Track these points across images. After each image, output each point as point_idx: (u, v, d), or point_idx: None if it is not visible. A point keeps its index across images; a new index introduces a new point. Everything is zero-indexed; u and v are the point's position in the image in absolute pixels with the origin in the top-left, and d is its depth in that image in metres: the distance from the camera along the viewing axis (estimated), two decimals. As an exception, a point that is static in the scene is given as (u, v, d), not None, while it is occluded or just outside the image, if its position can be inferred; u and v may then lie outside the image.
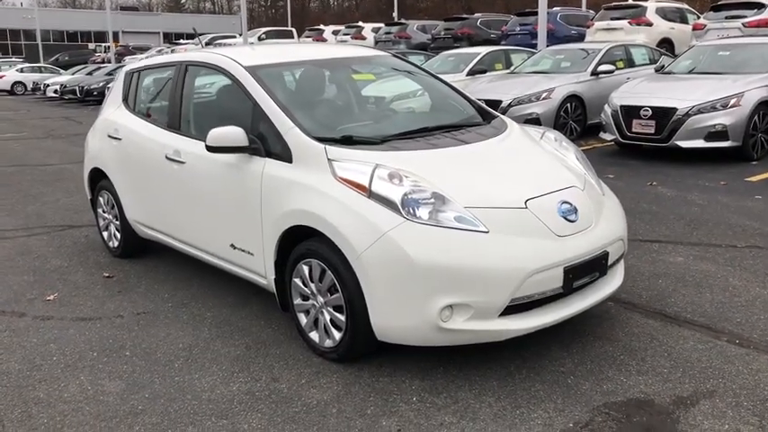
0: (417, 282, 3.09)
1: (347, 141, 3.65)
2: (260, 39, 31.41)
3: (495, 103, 10.47)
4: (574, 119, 10.61)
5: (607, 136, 9.26)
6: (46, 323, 4.22)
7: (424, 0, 63.42)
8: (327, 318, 3.48)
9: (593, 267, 3.43)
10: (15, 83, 32.56)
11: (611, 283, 3.65)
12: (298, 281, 3.60)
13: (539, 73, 11.34)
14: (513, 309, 3.21)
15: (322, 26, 29.00)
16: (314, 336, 3.59)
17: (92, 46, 53.42)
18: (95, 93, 23.39)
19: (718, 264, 4.76)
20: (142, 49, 43.60)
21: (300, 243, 3.54)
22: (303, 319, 3.65)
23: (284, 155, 3.67)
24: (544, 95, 10.33)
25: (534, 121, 10.26)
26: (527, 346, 3.56)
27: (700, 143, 8.20)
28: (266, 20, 70.14)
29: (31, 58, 45.80)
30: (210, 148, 3.80)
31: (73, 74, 29.32)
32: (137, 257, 5.41)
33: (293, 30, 32.02)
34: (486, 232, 3.18)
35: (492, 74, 12.60)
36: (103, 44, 53.99)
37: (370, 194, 3.26)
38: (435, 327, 3.12)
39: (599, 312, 3.98)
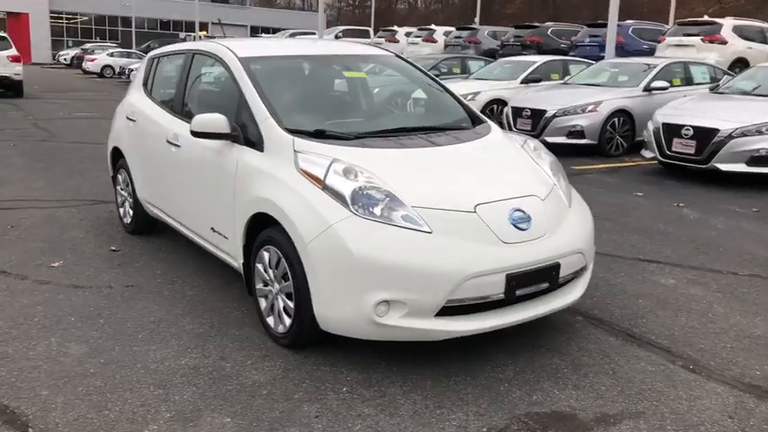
0: (355, 275, 3.16)
1: (319, 135, 3.76)
2: (336, 37, 31.90)
3: (539, 113, 10.39)
4: (621, 134, 10.37)
5: (647, 153, 9.03)
6: (42, 287, 4.50)
7: (510, 6, 62.89)
8: (281, 304, 3.59)
9: (541, 277, 3.41)
10: (105, 66, 34.19)
11: (566, 297, 3.61)
12: (260, 266, 3.73)
13: (591, 85, 11.12)
14: (451, 310, 3.24)
15: (396, 27, 29.20)
16: (270, 321, 3.72)
17: (182, 35, 55.50)
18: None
19: (710, 289, 4.61)
20: (226, 41, 44.93)
21: (263, 230, 3.67)
22: (263, 303, 3.78)
23: (258, 144, 3.81)
24: (590, 108, 10.15)
25: (578, 133, 10.12)
26: (475, 351, 3.58)
27: (741, 167, 7.89)
28: (352, 19, 71.12)
29: (125, 45, 48.04)
30: (194, 134, 3.98)
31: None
32: (146, 234, 5.67)
33: (370, 29, 32.35)
34: (429, 232, 3.22)
35: (546, 83, 12.43)
36: (192, 33, 56.01)
37: (324, 187, 3.36)
38: (371, 321, 3.18)
39: (561, 325, 3.95)
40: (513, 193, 3.50)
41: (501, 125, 11.08)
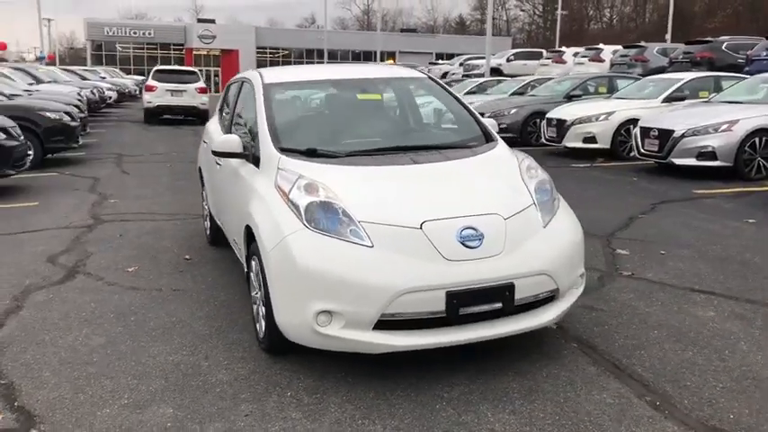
0: (299, 285, 3.34)
1: (310, 154, 4.00)
2: (508, 60, 31.81)
3: (666, 133, 9.76)
4: (763, 155, 9.40)
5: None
6: (107, 287, 5.15)
7: (711, 20, 58.46)
8: (262, 311, 3.85)
9: (490, 297, 3.34)
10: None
11: (529, 320, 3.50)
12: (252, 275, 4.03)
13: (734, 102, 10.21)
14: (391, 324, 3.30)
15: (564, 48, 28.51)
16: (258, 326, 3.99)
17: (370, 65, 58.58)
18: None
19: (751, 326, 4.15)
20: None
21: (252, 242, 3.96)
22: (254, 309, 4.06)
23: (256, 161, 4.13)
24: (724, 127, 9.34)
25: (709, 155, 9.38)
26: (438, 367, 3.58)
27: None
28: (543, 40, 70.31)
29: (316, 74, 51.59)
30: (214, 153, 4.40)
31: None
32: (221, 245, 6.21)
33: (542, 51, 31.84)
34: (371, 247, 3.32)
35: (690, 101, 11.58)
36: (381, 63, 58.56)
37: (288, 202, 3.58)
38: (312, 330, 3.33)
39: (548, 349, 3.82)
40: (468, 212, 3.47)
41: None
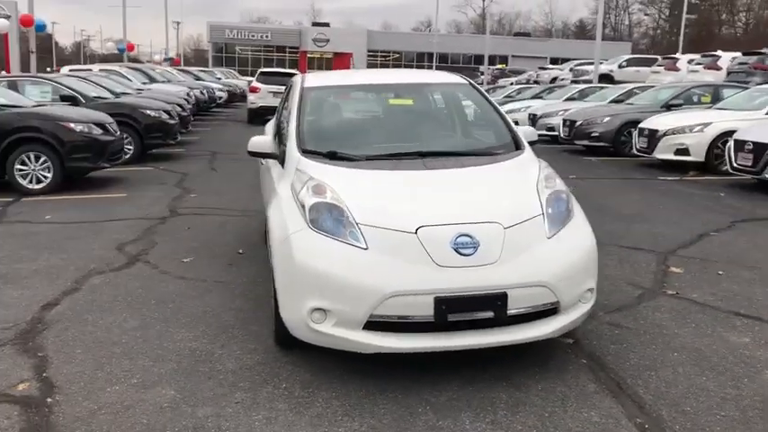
0: (297, 281, 3.47)
1: (330, 156, 4.13)
2: (620, 66, 30.74)
3: (762, 147, 9.19)
4: None
5: None
6: (160, 275, 5.50)
7: None
8: (272, 304, 4.01)
9: (481, 306, 3.33)
10: (397, 98, 37.18)
11: (525, 332, 3.46)
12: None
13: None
14: (383, 326, 3.36)
15: (678, 55, 27.15)
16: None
17: (482, 68, 58.05)
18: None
19: (785, 354, 3.89)
20: (517, 72, 45.95)
21: None
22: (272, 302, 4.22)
23: (282, 162, 4.30)
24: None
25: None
26: (436, 372, 3.60)
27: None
28: (667, 45, 67.31)
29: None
30: (249, 153, 4.61)
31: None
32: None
33: (658, 57, 30.51)
34: (365, 249, 3.39)
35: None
36: (491, 67, 58.18)
37: (297, 201, 3.72)
38: (307, 326, 3.45)
39: (552, 362, 3.76)
40: (466, 219, 3.47)
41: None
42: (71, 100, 11.83)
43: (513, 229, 3.49)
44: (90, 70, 19.58)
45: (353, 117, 4.88)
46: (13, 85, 12.11)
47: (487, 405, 3.30)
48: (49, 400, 3.39)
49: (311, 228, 3.54)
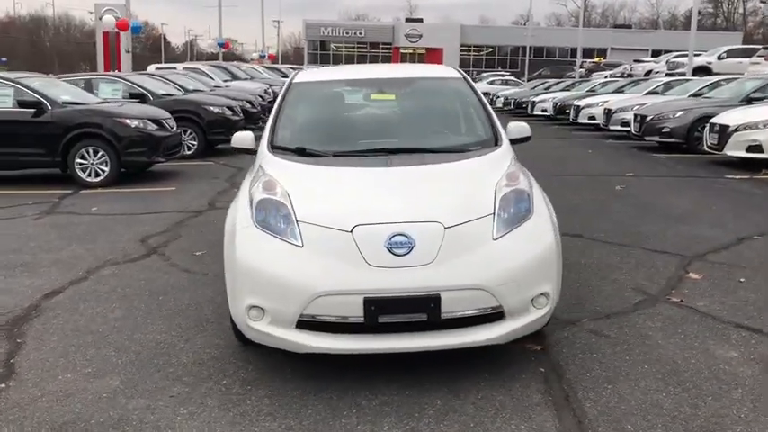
0: (237, 278, 3.47)
1: (299, 153, 4.10)
2: (719, 58, 29.03)
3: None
4: None
5: None
6: (166, 268, 5.65)
7: None
8: None
9: (413, 308, 3.21)
10: (483, 94, 36.67)
11: (461, 337, 3.31)
12: None
13: None
14: (315, 326, 3.30)
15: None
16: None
17: (578, 62, 56.33)
18: (524, 105, 25.18)
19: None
20: (612, 66, 44.28)
21: None
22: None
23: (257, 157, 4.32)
24: None
25: None
26: (376, 375, 3.52)
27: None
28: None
29: (520, 73, 51.05)
30: (233, 148, 4.65)
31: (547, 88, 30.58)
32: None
33: (760, 48, 28.58)
34: (300, 246, 3.34)
35: None
36: (587, 60, 56.43)
37: (249, 197, 3.72)
38: (245, 324, 3.44)
39: (508, 369, 3.59)
40: (405, 218, 3.35)
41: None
42: (139, 97, 12.38)
43: (454, 230, 3.34)
44: (175, 68, 20.43)
45: (333, 113, 4.81)
46: (88, 84, 12.81)
47: (416, 411, 3.18)
48: (2, 385, 3.54)
49: (255, 224, 3.52)
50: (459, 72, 5.04)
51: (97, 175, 9.69)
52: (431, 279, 3.22)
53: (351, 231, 3.32)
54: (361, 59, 61.40)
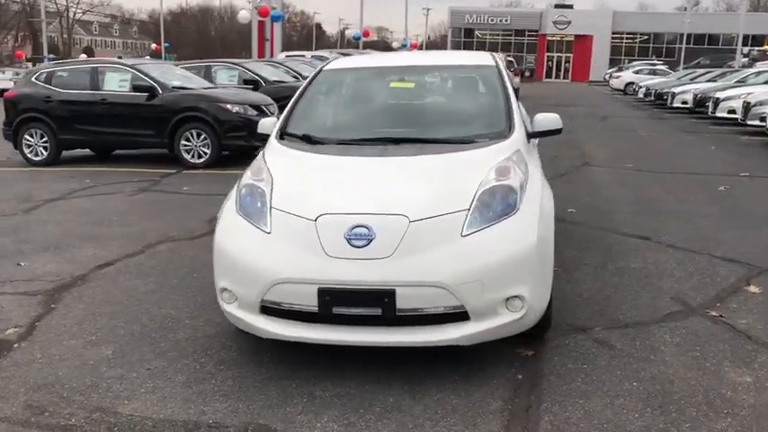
0: (215, 262, 3.56)
1: (305, 140, 4.13)
2: None
3: None
4: None
5: None
6: (194, 248, 5.81)
7: None
8: None
9: (367, 301, 3.14)
10: (628, 83, 34.85)
11: (421, 335, 3.19)
12: None
13: None
14: (278, 312, 3.32)
15: None
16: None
17: (745, 50, 51.91)
18: (664, 96, 23.61)
19: (779, 403, 3.11)
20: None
21: None
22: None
23: None
24: None
25: None
26: (345, 367, 3.48)
27: None
28: None
29: (675, 62, 47.98)
30: (257, 134, 4.75)
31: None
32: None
33: None
34: (268, 233, 3.37)
35: None
36: (754, 48, 51.98)
37: (238, 183, 3.81)
38: (222, 306, 3.53)
39: (482, 373, 3.42)
40: (370, 209, 3.28)
41: None
42: (253, 83, 12.95)
43: (419, 224, 3.22)
44: (303, 56, 21.14)
45: (350, 100, 4.76)
46: (207, 70, 13.57)
47: (361, 407, 3.12)
48: (15, 345, 3.87)
49: (237, 209, 3.59)
50: (494, 59, 4.80)
51: (200, 156, 10.26)
52: (386, 273, 3.13)
53: (315, 220, 3.29)
54: (506, 47, 60.30)
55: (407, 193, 3.43)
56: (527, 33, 62.04)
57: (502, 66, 4.69)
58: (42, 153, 10.79)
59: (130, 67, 10.69)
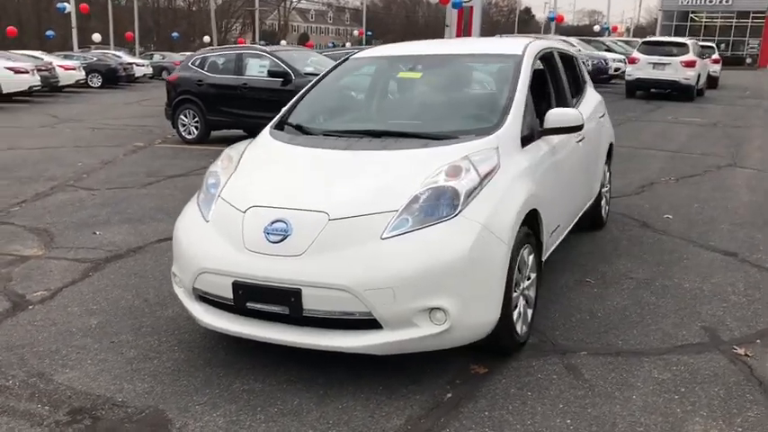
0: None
1: (298, 129, 4.11)
2: None
3: None
4: None
5: None
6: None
7: None
8: None
9: (275, 299, 3.06)
10: None
11: (328, 339, 3.06)
12: None
13: None
14: (210, 301, 3.35)
15: None
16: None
17: None
18: None
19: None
20: None
21: None
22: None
23: None
24: None
25: None
26: (309, 365, 3.43)
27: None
28: None
29: None
30: None
31: None
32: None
33: None
34: (207, 222, 3.40)
35: None
36: None
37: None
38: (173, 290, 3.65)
39: (411, 386, 3.19)
40: (290, 204, 3.18)
41: None
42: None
43: (338, 223, 3.06)
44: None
45: (356, 90, 4.57)
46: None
47: (262, 406, 3.04)
48: (31, 307, 4.27)
49: (197, 196, 3.67)
50: (524, 49, 4.32)
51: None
52: (294, 272, 3.02)
53: (244, 212, 3.26)
54: (725, 31, 54.83)
55: (339, 189, 3.27)
56: (752, 15, 55.74)
57: (530, 57, 4.25)
58: (194, 132, 11.73)
59: (269, 54, 11.25)
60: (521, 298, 3.49)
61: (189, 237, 3.43)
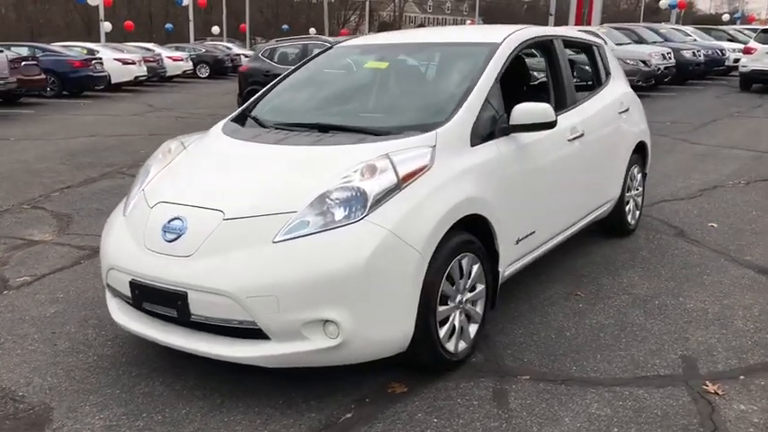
0: None
1: (255, 120, 3.95)
2: None
3: None
4: None
5: None
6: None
7: None
8: None
9: (164, 301, 2.91)
10: None
11: (215, 347, 2.88)
12: None
13: None
14: (123, 299, 3.25)
15: None
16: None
17: None
18: None
19: None
20: None
21: None
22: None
23: None
24: None
25: None
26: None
27: None
28: None
29: None
30: None
31: None
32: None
33: None
34: (124, 216, 3.31)
35: None
36: None
37: None
38: None
39: (347, 399, 2.94)
40: (191, 201, 3.02)
41: None
42: None
43: (233, 222, 2.86)
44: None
45: (322, 81, 4.25)
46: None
47: (157, 409, 2.91)
48: (5, 292, 4.36)
49: (132, 187, 3.58)
50: (504, 38, 3.89)
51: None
52: (180, 274, 2.85)
53: (152, 208, 3.13)
54: None
55: (241, 186, 3.07)
56: None
57: (508, 47, 3.82)
58: (262, 121, 11.90)
59: (332, 45, 11.16)
60: (457, 312, 3.15)
61: (107, 230, 3.37)
